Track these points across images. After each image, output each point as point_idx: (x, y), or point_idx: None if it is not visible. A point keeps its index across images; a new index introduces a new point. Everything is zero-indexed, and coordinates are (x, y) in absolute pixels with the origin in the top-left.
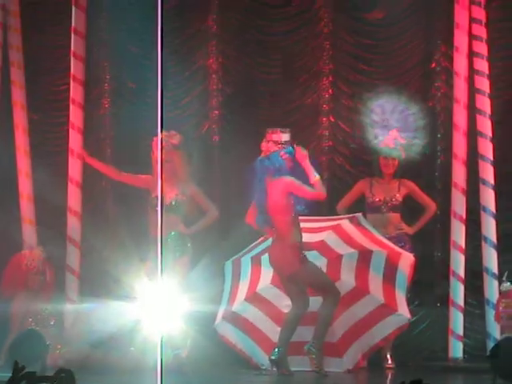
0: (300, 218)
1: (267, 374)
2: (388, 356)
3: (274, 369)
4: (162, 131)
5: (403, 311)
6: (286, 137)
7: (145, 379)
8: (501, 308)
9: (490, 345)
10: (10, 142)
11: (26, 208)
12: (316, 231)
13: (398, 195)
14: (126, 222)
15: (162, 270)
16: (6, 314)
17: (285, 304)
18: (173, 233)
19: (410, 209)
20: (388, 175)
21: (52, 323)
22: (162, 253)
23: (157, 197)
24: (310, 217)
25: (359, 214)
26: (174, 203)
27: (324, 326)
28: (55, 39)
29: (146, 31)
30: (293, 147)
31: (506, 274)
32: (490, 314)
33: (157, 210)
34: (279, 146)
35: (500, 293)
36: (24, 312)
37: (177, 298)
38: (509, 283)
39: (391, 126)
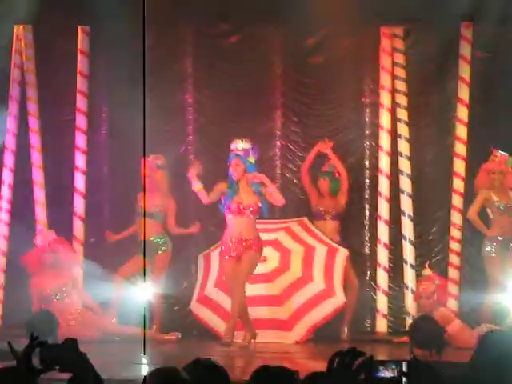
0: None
1: (232, 345)
2: (345, 329)
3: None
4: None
5: (340, 294)
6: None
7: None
8: (421, 290)
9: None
10: None
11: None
12: (270, 231)
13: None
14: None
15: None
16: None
17: None
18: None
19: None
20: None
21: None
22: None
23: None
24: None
25: (305, 218)
26: (154, 212)
27: None
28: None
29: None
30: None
31: (427, 262)
32: (409, 297)
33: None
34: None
35: (420, 278)
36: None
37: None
38: (428, 270)
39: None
